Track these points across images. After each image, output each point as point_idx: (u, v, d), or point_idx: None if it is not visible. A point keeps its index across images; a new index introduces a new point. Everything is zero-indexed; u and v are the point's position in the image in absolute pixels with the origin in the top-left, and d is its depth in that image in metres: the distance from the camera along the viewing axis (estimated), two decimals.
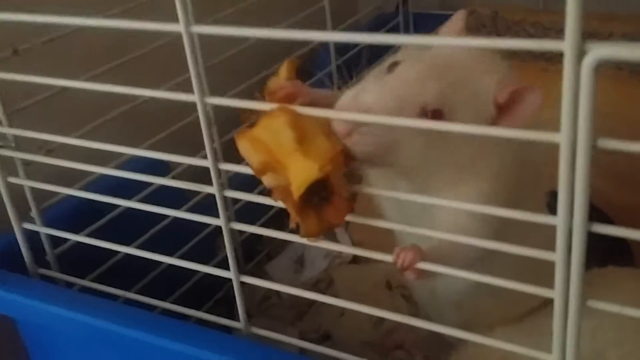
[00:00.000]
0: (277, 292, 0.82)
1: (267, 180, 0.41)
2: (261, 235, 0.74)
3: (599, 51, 0.30)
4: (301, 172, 0.38)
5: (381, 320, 0.70)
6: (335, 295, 0.79)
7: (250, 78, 0.77)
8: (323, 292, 0.81)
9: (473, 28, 0.88)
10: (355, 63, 0.91)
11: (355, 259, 0.83)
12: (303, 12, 0.85)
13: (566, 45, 0.30)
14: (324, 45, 0.91)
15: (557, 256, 0.34)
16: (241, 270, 0.81)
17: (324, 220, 0.40)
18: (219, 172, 0.43)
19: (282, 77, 0.41)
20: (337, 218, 0.40)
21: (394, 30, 1.06)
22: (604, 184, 0.69)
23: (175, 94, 0.42)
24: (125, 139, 0.65)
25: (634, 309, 0.34)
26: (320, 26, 0.88)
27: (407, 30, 1.07)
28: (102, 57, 0.62)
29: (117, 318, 0.51)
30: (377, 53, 0.96)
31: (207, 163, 0.43)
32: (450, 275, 0.41)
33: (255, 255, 0.87)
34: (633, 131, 0.68)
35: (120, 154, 0.60)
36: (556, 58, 0.31)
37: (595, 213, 0.67)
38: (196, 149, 0.55)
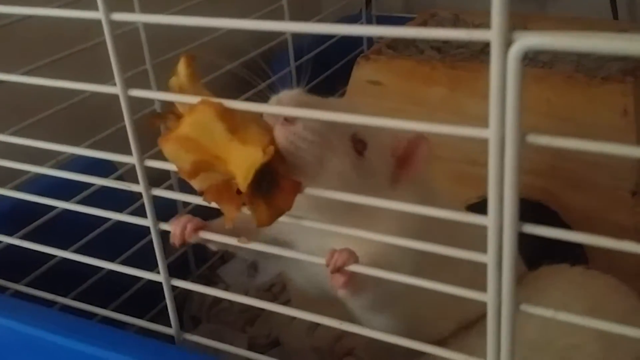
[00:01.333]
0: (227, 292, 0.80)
1: (197, 184, 0.39)
2: None
3: (526, 40, 0.28)
4: (245, 159, 0.36)
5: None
6: (288, 299, 0.77)
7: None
8: (277, 296, 0.79)
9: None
10: (314, 65, 0.90)
11: None
12: (261, 12, 0.84)
13: (493, 35, 0.29)
14: (284, 48, 0.89)
15: (488, 258, 0.33)
16: (192, 274, 0.81)
17: (274, 207, 0.38)
18: (144, 169, 0.41)
19: (181, 74, 0.39)
20: (286, 202, 0.38)
21: None
22: (562, 191, 0.68)
23: (97, 86, 0.40)
24: (70, 136, 0.63)
25: (566, 314, 0.33)
26: None
27: None
28: (41, 53, 0.60)
29: (47, 324, 0.49)
30: (338, 57, 0.96)
31: (133, 160, 0.41)
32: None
33: (209, 258, 0.85)
34: (588, 132, 0.68)
35: (61, 153, 0.58)
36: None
37: (550, 215, 0.67)
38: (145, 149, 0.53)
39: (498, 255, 0.32)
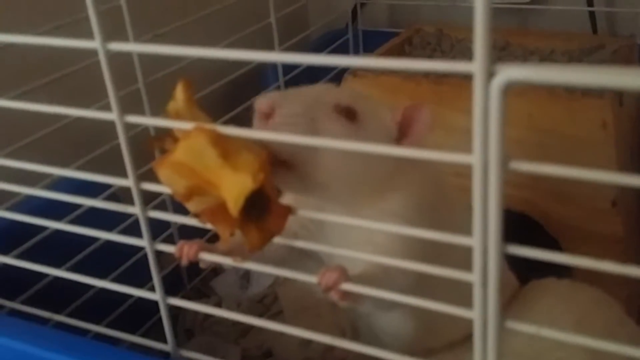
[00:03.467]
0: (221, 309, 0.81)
1: (192, 206, 0.40)
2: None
3: (508, 72, 0.30)
4: (235, 186, 0.37)
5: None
6: (280, 310, 0.79)
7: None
8: (269, 308, 0.81)
9: (418, 45, 0.88)
10: (303, 80, 0.92)
11: None
12: (250, 28, 0.85)
13: (475, 67, 0.30)
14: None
15: (474, 277, 0.34)
16: (185, 287, 0.82)
17: (265, 230, 0.39)
18: (140, 192, 0.42)
19: (179, 99, 0.40)
20: (277, 226, 0.40)
21: (344, 46, 1.06)
22: (545, 202, 0.70)
23: (93, 112, 0.41)
24: (64, 153, 0.64)
25: (550, 330, 0.34)
26: (269, 42, 0.88)
27: (356, 47, 1.08)
28: (34, 74, 0.60)
29: (41, 342, 0.49)
30: (326, 70, 0.97)
31: (129, 183, 0.42)
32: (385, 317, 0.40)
33: (201, 271, 0.86)
34: (569, 145, 0.70)
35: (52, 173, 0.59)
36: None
37: (533, 226, 0.69)
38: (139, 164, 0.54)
39: (483, 275, 0.34)
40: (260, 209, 0.39)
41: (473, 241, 0.33)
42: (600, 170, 0.30)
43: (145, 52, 0.36)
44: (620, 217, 0.68)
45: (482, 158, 0.31)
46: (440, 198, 0.51)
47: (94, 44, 0.38)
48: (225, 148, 0.38)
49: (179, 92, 0.40)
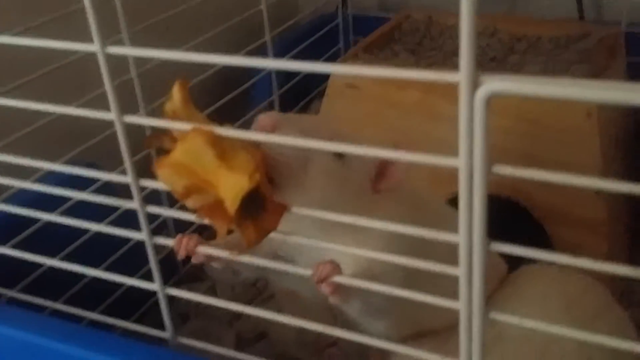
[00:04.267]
0: (215, 293, 0.83)
1: (190, 203, 0.41)
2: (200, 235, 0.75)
3: (492, 85, 0.31)
4: (232, 186, 0.39)
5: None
6: (272, 293, 0.81)
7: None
8: (261, 291, 0.83)
9: (407, 32, 0.89)
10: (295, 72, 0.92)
11: None
12: (241, 16, 0.86)
13: (461, 77, 0.31)
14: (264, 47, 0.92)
15: (460, 271, 0.36)
16: (179, 272, 0.84)
17: (261, 227, 0.41)
18: (139, 188, 0.44)
19: (176, 99, 0.41)
20: (273, 222, 0.42)
21: (334, 31, 1.07)
22: (531, 187, 0.72)
23: (92, 111, 0.42)
24: (55, 146, 0.65)
25: (533, 321, 0.37)
26: (259, 29, 0.89)
27: (346, 32, 1.08)
28: (23, 65, 0.61)
29: (48, 331, 0.51)
30: (316, 56, 0.98)
31: (128, 179, 0.43)
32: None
33: None
34: (555, 134, 0.72)
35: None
36: None
37: (520, 211, 0.71)
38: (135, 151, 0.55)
39: (469, 270, 0.36)
40: (256, 207, 0.40)
41: (459, 238, 0.35)
42: (581, 175, 0.32)
43: (144, 56, 0.38)
44: (604, 202, 0.70)
45: (467, 162, 0.33)
46: (421, 217, 0.53)
47: (94, 47, 0.39)
48: (222, 148, 0.39)
49: (176, 93, 0.41)
